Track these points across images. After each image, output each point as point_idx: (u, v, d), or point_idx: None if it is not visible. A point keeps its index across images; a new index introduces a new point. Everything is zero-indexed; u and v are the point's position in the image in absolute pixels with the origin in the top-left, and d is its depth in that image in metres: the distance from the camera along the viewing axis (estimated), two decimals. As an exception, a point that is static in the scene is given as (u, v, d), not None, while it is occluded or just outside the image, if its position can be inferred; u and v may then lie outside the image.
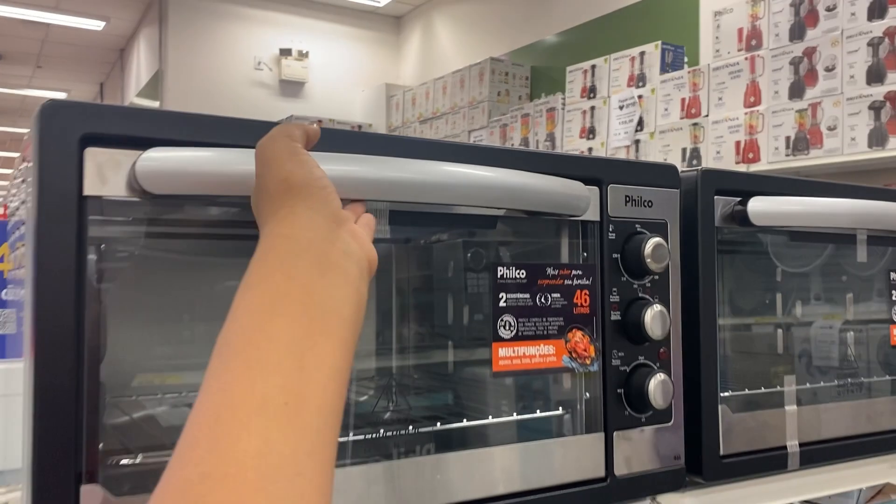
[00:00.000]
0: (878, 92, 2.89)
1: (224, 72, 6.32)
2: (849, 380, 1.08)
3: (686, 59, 3.97)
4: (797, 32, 3.23)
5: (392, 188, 0.67)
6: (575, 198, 0.77)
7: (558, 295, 0.78)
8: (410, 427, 0.74)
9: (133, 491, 0.61)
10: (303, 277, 0.48)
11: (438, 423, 0.75)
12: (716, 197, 0.92)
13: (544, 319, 0.77)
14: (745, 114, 3.38)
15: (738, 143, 3.42)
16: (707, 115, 3.53)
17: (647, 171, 0.86)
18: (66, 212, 0.57)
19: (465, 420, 0.79)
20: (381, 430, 0.73)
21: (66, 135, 0.57)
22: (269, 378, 0.42)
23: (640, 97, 3.86)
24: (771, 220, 0.92)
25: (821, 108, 3.12)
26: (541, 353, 0.76)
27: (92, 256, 0.60)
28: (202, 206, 0.69)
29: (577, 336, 0.79)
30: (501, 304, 0.75)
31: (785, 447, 0.96)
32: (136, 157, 0.59)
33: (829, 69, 3.11)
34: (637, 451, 0.83)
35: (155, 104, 6.31)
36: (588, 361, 0.79)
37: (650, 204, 0.85)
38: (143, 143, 0.60)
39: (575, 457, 0.79)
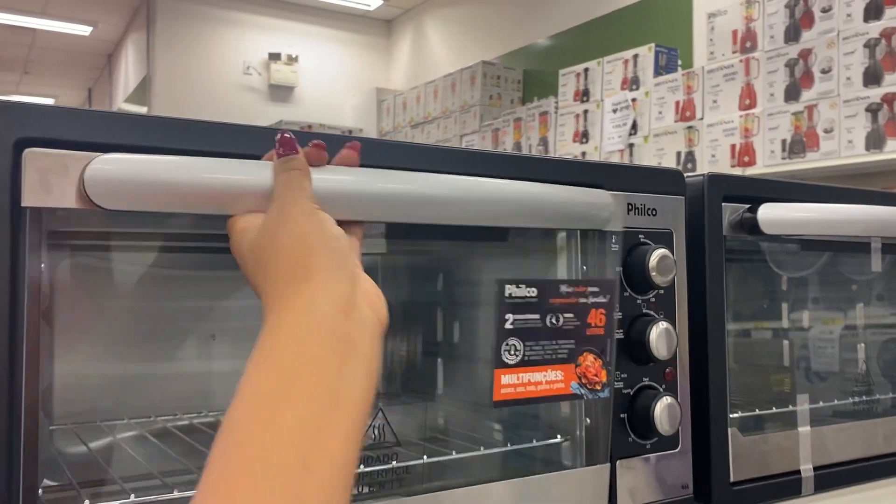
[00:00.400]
0: (876, 94, 2.85)
1: (213, 77, 6.24)
2: (863, 397, 1.02)
3: (680, 62, 3.92)
4: (792, 34, 3.18)
5: (401, 206, 0.61)
6: (598, 208, 0.70)
7: (571, 315, 0.70)
8: (394, 462, 0.67)
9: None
10: (314, 360, 0.45)
11: (425, 457, 0.68)
12: (723, 204, 0.85)
13: (554, 342, 0.70)
14: (741, 116, 3.33)
15: (733, 147, 3.37)
16: (702, 118, 3.49)
17: (650, 176, 0.79)
18: (-1, 227, 0.50)
19: (453, 452, 0.72)
20: (361, 465, 0.67)
21: (0, 138, 0.50)
22: (271, 480, 0.40)
23: (633, 100, 3.81)
24: (783, 229, 0.86)
25: (817, 110, 3.07)
26: (547, 380, 0.69)
27: (31, 275, 0.52)
28: (160, 218, 0.62)
29: (589, 360, 0.72)
30: (508, 325, 0.67)
31: (798, 471, 0.89)
32: (85, 164, 0.52)
33: (825, 71, 3.07)
34: (642, 481, 0.76)
35: (143, 109, 6.22)
36: (599, 387, 0.72)
37: (654, 212, 0.78)
38: (96, 150, 0.53)
39: (577, 491, 0.72)
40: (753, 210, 0.86)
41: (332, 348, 0.45)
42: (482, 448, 0.72)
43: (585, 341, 0.70)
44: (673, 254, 0.77)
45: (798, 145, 3.10)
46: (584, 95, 4.11)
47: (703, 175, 0.84)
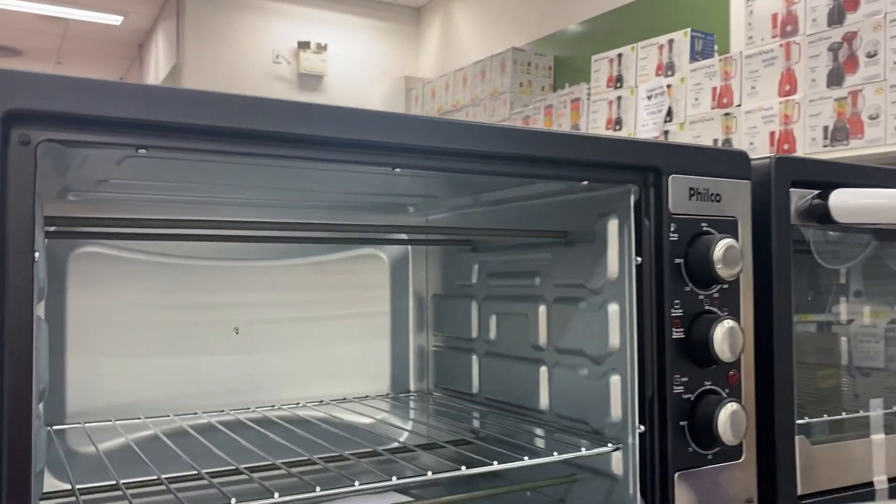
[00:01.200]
0: (925, 78, 2.72)
1: (242, 65, 6.22)
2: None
3: (716, 47, 3.81)
4: (836, 17, 3.06)
5: None
6: None
7: None
8: (429, 473, 0.60)
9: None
10: None
11: (464, 467, 0.61)
12: (790, 189, 0.77)
13: None
14: (780, 103, 3.22)
15: (772, 134, 3.26)
16: (739, 105, 3.38)
17: (714, 158, 0.71)
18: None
19: (495, 462, 0.65)
20: (394, 477, 0.60)
21: (-13, 112, 0.44)
22: None
23: (668, 86, 3.71)
24: (857, 217, 0.78)
25: (862, 95, 2.96)
26: None
27: (18, 270, 0.46)
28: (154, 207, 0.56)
29: None
30: None
31: (871, 483, 0.81)
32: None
33: (870, 55, 2.95)
34: (702, 496, 0.69)
35: (171, 98, 6.21)
36: None
37: (718, 198, 0.70)
38: (98, 124, 0.46)
39: (630, 506, 0.65)
40: (824, 196, 0.78)
41: None
42: (526, 458, 0.65)
43: None
44: (738, 244, 0.69)
45: (841, 132, 2.98)
46: (617, 82, 4.01)
47: (769, 157, 0.76)
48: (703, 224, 0.70)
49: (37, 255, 0.46)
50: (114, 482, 0.62)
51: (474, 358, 0.92)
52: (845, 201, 0.77)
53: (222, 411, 0.85)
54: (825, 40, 3.05)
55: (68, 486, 0.67)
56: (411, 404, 0.94)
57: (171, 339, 0.83)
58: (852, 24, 2.96)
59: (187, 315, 0.84)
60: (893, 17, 2.82)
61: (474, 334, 0.92)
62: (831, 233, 0.93)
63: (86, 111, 0.46)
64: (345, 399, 0.91)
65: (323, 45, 6.45)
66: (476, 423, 0.82)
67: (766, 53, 3.29)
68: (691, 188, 0.69)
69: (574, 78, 4.60)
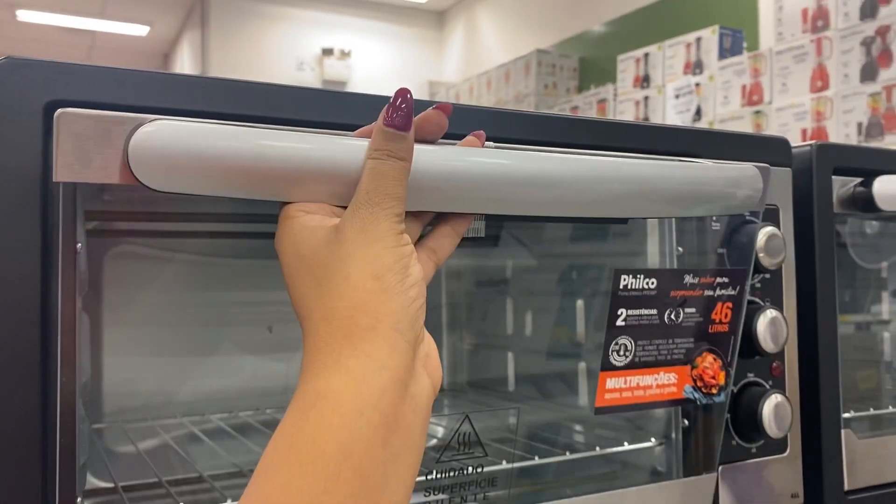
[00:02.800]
0: (961, 71, 2.67)
1: (267, 73, 6.27)
2: None
3: (745, 44, 3.77)
4: (869, 10, 3.01)
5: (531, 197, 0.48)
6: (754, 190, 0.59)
7: (693, 310, 0.61)
8: (469, 468, 0.59)
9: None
10: (361, 454, 0.37)
11: (504, 462, 0.60)
12: (832, 177, 0.76)
13: (670, 341, 0.61)
14: (812, 99, 3.18)
15: (804, 131, 3.22)
16: (770, 102, 3.34)
17: (754, 145, 0.70)
18: (25, 204, 0.44)
19: (536, 457, 0.64)
20: (433, 473, 0.59)
21: (28, 101, 0.44)
22: None
23: (697, 85, 3.67)
24: (904, 205, 0.76)
25: (896, 90, 2.90)
26: (658, 384, 0.60)
27: (65, 262, 0.46)
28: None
29: (708, 360, 0.62)
30: (619, 322, 0.59)
31: (920, 479, 0.79)
32: (132, 129, 0.45)
33: (905, 49, 2.90)
34: (747, 490, 0.67)
35: (199, 107, 6.28)
36: (715, 391, 0.63)
37: (759, 186, 0.69)
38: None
39: (678, 502, 0.64)
40: (867, 184, 0.76)
41: (383, 438, 0.37)
42: (567, 453, 0.65)
43: (707, 339, 0.61)
44: (780, 232, 0.68)
45: (875, 128, 2.94)
46: (644, 81, 3.98)
47: (810, 144, 0.75)
48: (745, 213, 0.68)
49: (79, 246, 0.46)
50: (156, 479, 0.62)
51: (510, 355, 0.91)
52: (890, 188, 0.75)
53: (257, 410, 0.85)
54: (857, 34, 3.01)
55: (108, 484, 0.67)
56: (445, 402, 0.93)
57: (205, 338, 0.84)
58: (886, 17, 2.92)
59: (221, 314, 0.84)
60: (927, 10, 2.77)
61: (510, 331, 0.92)
62: (868, 231, 0.91)
63: (127, 101, 0.46)
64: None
65: (347, 51, 6.48)
66: (512, 420, 0.81)
67: (796, 49, 3.25)
68: (732, 176, 0.68)
69: (600, 79, 4.57)
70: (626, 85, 4.02)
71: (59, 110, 0.42)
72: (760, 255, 0.65)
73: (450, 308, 0.97)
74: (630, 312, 0.58)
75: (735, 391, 0.67)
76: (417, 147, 0.44)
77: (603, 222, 0.70)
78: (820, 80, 3.15)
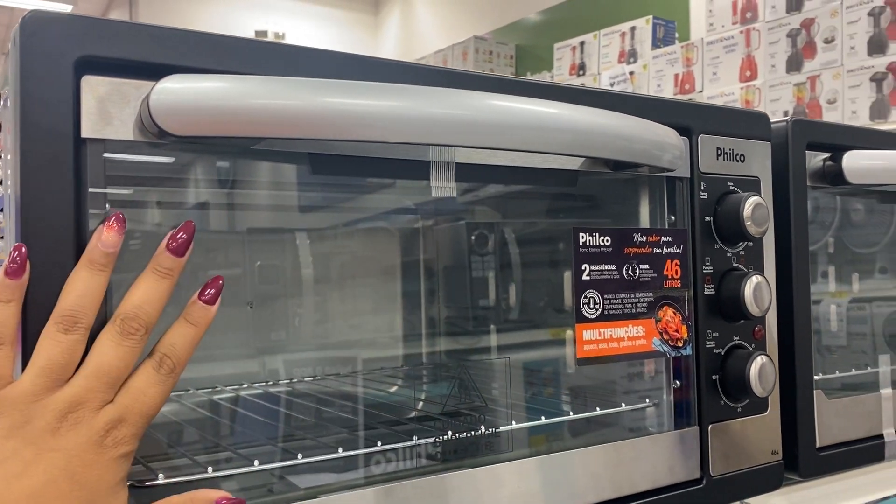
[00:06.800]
0: (880, 63, 2.80)
1: (196, 56, 6.11)
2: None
3: (678, 35, 3.87)
4: (794, 4, 3.13)
5: (453, 128, 0.52)
6: (672, 146, 0.64)
7: (647, 266, 0.65)
8: (480, 428, 0.61)
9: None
10: None
11: (514, 422, 0.62)
12: (807, 152, 0.80)
13: (632, 295, 0.64)
14: (741, 88, 3.29)
15: (734, 119, 3.32)
16: (702, 91, 3.43)
17: (738, 119, 0.73)
18: (58, 161, 0.43)
19: (542, 417, 0.66)
20: (441, 434, 0.61)
21: (58, 59, 0.43)
22: None
23: (631, 73, 3.75)
24: (870, 178, 0.81)
25: (820, 81, 3.02)
26: (629, 336, 0.64)
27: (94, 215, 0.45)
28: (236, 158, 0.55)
29: (669, 314, 0.66)
30: (584, 276, 0.62)
31: (881, 436, 0.84)
32: (151, 88, 0.44)
33: (828, 41, 3.02)
34: (734, 446, 0.71)
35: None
36: (681, 344, 0.66)
37: (742, 158, 0.72)
38: (162, 72, 0.45)
39: (668, 456, 0.67)
40: (837, 158, 0.80)
41: None
42: (571, 413, 0.67)
43: (664, 294, 0.66)
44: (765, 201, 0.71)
45: (801, 116, 3.06)
46: (580, 69, 4.05)
47: (786, 120, 0.78)
48: (730, 183, 0.72)
49: (107, 206, 0.46)
50: (169, 452, 0.61)
51: (492, 327, 0.92)
52: (858, 163, 0.80)
53: (268, 381, 0.84)
54: (784, 27, 3.12)
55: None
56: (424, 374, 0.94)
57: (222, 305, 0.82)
58: (810, 10, 3.03)
59: (238, 281, 0.83)
60: (850, 3, 2.89)
61: (492, 303, 0.93)
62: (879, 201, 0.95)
63: (160, 59, 0.46)
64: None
65: (281, 34, 6.37)
66: (496, 391, 0.83)
67: (726, 40, 3.35)
68: (718, 148, 0.71)
69: (536, 66, 4.63)
70: (563, 72, 4.07)
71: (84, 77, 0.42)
72: (747, 223, 0.69)
73: (427, 278, 0.98)
74: (592, 267, 0.63)
75: (723, 353, 0.71)
76: None
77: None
78: (749, 69, 3.26)
